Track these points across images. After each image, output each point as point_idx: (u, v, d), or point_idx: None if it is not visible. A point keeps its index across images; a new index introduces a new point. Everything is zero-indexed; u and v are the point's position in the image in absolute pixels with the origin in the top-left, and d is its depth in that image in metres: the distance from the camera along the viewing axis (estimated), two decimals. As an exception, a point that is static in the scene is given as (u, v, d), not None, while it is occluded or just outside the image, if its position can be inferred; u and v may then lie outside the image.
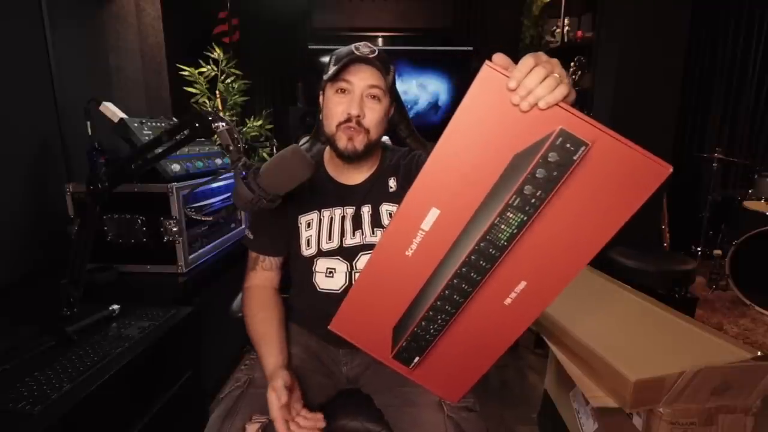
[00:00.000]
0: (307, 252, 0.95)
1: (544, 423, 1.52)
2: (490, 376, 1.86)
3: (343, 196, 0.96)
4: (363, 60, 0.86)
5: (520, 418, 1.60)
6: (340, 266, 0.94)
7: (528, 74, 0.51)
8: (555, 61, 0.54)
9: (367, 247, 0.93)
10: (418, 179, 0.59)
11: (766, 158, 3.07)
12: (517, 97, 0.51)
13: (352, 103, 0.87)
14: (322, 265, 0.94)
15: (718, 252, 2.68)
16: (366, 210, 0.95)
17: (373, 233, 0.94)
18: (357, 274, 0.93)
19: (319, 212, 0.95)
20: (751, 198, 2.66)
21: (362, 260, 0.93)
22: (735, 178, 3.28)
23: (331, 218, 0.95)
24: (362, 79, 0.87)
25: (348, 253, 0.93)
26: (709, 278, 2.75)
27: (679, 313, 1.25)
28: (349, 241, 0.94)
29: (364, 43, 0.89)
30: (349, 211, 0.95)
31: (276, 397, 0.73)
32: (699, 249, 3.03)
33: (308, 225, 0.96)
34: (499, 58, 0.53)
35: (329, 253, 0.94)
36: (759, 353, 1.02)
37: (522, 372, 1.92)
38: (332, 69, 0.87)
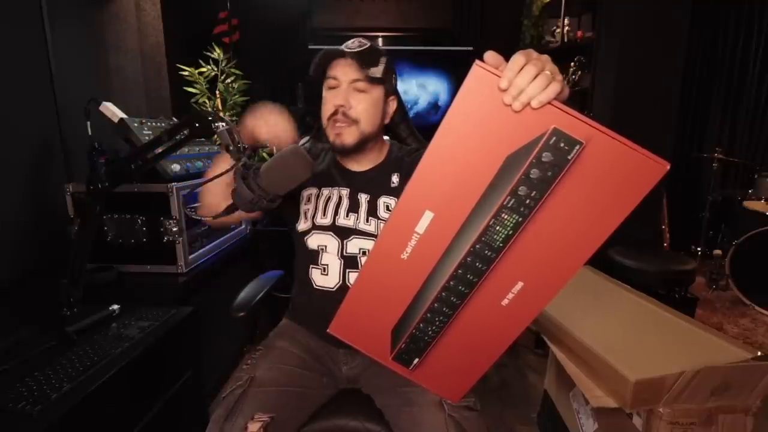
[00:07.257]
0: (302, 226, 0.98)
1: (544, 423, 1.52)
2: (490, 376, 1.86)
3: (344, 178, 1.00)
4: (342, 55, 0.90)
5: (520, 418, 1.60)
6: (332, 243, 0.95)
7: (519, 73, 0.49)
8: (546, 57, 0.53)
9: (359, 232, 0.94)
10: (411, 182, 0.58)
11: (766, 158, 3.07)
12: (509, 97, 0.50)
13: (337, 95, 0.91)
14: (314, 241, 0.96)
15: (718, 252, 2.68)
16: (364, 197, 0.97)
17: (367, 221, 0.95)
18: (350, 272, 0.94)
19: (319, 189, 0.99)
20: (751, 198, 2.65)
21: (353, 243, 0.94)
22: (735, 178, 3.27)
23: (329, 197, 0.98)
24: (345, 73, 0.91)
25: (340, 232, 0.95)
26: (709, 278, 2.75)
27: (679, 313, 1.25)
28: (342, 221, 0.95)
29: (357, 38, 0.93)
30: (346, 192, 0.98)
31: None
32: (699, 249, 3.03)
33: (308, 199, 0.99)
34: (490, 56, 0.51)
35: (321, 228, 0.96)
36: (759, 353, 1.02)
37: (522, 372, 1.92)
38: (311, 66, 0.92)
